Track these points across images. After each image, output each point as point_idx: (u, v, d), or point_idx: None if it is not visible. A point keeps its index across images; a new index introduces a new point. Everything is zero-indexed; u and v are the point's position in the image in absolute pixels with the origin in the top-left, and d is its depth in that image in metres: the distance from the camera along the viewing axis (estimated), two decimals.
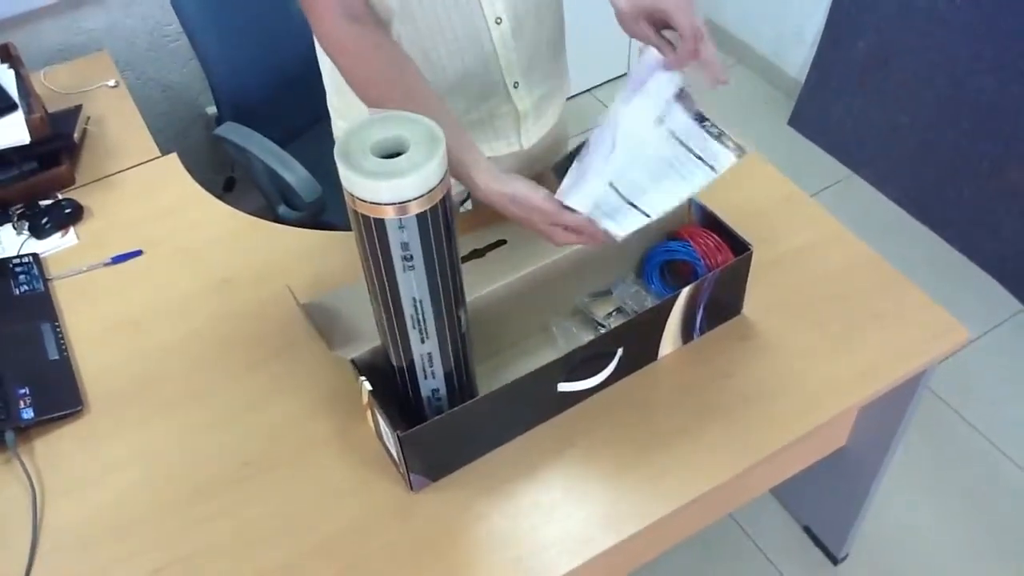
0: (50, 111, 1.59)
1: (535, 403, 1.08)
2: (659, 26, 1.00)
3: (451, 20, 1.10)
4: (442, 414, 0.98)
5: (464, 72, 1.16)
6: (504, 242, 1.16)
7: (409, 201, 0.80)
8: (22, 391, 1.15)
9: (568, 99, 1.39)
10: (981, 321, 2.12)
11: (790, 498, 1.78)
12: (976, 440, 1.90)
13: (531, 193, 1.01)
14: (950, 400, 1.96)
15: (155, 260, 1.36)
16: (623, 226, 0.99)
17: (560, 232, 1.01)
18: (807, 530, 1.76)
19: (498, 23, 1.13)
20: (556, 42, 1.26)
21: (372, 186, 0.79)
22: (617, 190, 1.00)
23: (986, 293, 2.20)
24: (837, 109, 2.53)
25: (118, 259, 1.36)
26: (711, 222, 1.18)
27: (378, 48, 1.03)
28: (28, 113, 1.47)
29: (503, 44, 1.15)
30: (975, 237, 2.26)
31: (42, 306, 1.28)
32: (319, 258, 1.32)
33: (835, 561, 1.71)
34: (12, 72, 1.55)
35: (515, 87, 1.21)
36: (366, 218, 0.82)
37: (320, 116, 1.42)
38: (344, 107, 1.29)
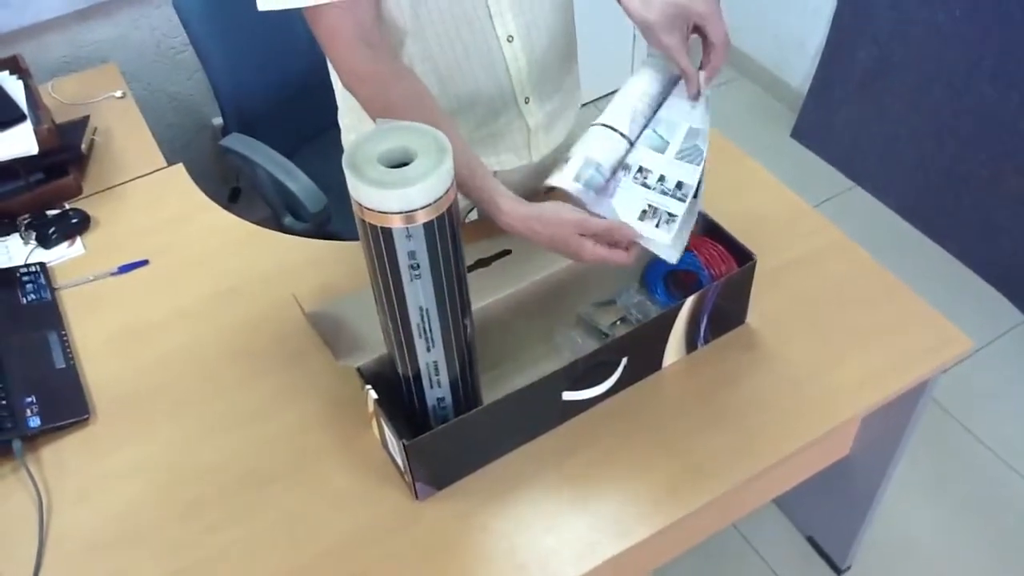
0: (58, 122, 1.60)
1: (540, 412, 1.08)
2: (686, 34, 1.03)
3: (462, 38, 1.11)
4: (447, 423, 0.99)
5: (475, 89, 1.17)
6: (509, 252, 1.16)
7: (417, 210, 0.81)
8: (29, 400, 1.16)
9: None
10: (984, 331, 2.12)
11: (793, 508, 1.78)
12: (979, 450, 1.90)
13: (557, 207, 1.01)
14: (953, 410, 1.96)
15: (161, 270, 1.37)
16: (669, 227, 1.02)
17: (588, 246, 1.00)
18: (810, 540, 1.75)
19: (510, 40, 1.14)
20: (568, 57, 1.27)
21: (380, 195, 0.80)
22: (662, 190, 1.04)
23: (988, 303, 2.21)
24: (839, 121, 2.54)
25: (124, 268, 1.37)
26: (715, 232, 1.18)
27: (397, 78, 1.04)
28: (36, 124, 1.48)
29: (514, 61, 1.16)
30: (976, 247, 2.27)
31: (49, 315, 1.29)
32: (324, 268, 1.33)
33: (839, 572, 1.71)
34: (21, 83, 1.56)
35: (526, 102, 1.22)
36: (373, 227, 0.83)
37: (325, 127, 1.43)
38: (356, 123, 1.30)
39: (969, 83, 2.15)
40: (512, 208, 1.01)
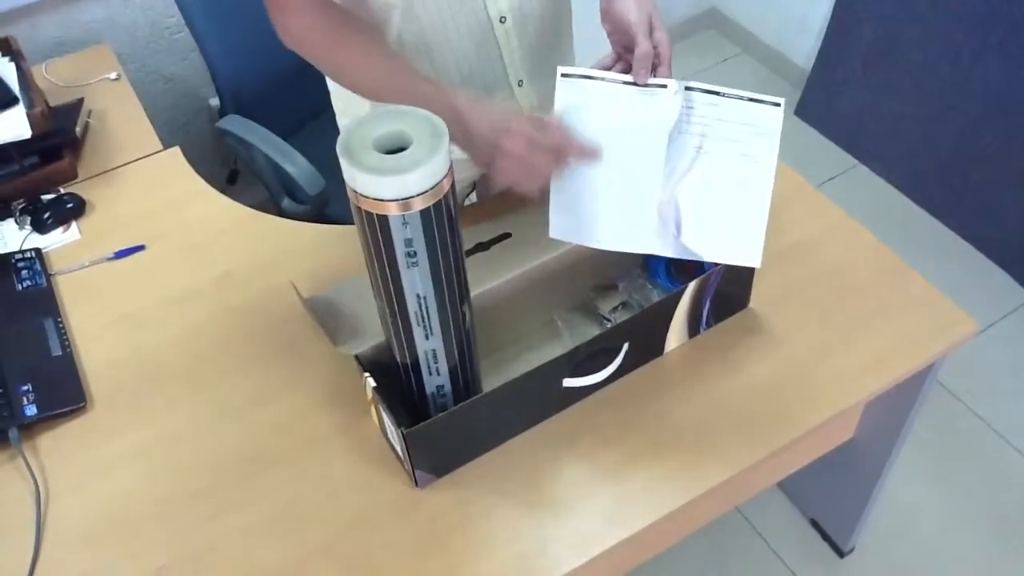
0: (51, 105, 1.58)
1: (540, 399, 1.07)
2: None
3: (455, 19, 1.09)
4: (447, 410, 0.98)
5: (468, 70, 1.15)
6: (509, 235, 1.15)
7: (413, 197, 0.80)
8: (25, 388, 1.15)
9: None
10: (989, 311, 2.11)
11: (797, 491, 1.77)
12: (984, 432, 1.89)
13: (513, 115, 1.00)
14: (957, 391, 1.95)
15: (158, 254, 1.35)
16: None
17: (510, 145, 0.97)
18: (813, 523, 1.75)
19: (502, 22, 1.12)
20: (562, 40, 1.25)
21: (375, 182, 0.78)
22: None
23: (993, 283, 2.19)
24: (843, 98, 2.51)
25: (121, 254, 1.35)
26: None
27: (344, 28, 1.03)
28: (29, 107, 1.46)
29: (507, 43, 1.15)
30: (982, 226, 2.25)
31: (45, 301, 1.28)
32: (323, 252, 1.32)
33: (841, 554, 1.71)
34: (13, 65, 1.54)
35: (519, 85, 1.20)
36: (369, 214, 0.81)
37: (323, 108, 1.41)
38: (346, 106, 1.28)
39: (975, 61, 2.12)
40: (466, 103, 0.99)
